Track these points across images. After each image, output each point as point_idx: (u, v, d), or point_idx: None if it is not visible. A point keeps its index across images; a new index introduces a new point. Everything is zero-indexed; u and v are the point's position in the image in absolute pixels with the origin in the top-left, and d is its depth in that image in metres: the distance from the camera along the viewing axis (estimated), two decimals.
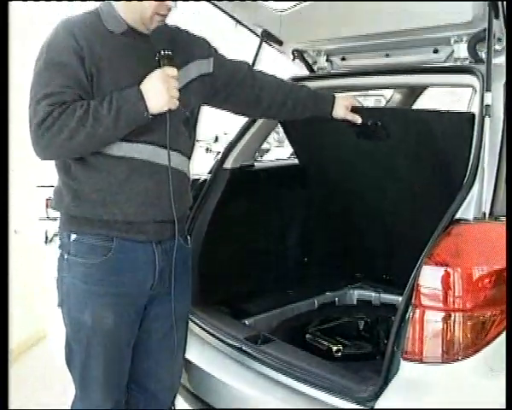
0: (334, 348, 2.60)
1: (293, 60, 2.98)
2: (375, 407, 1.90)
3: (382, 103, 4.73)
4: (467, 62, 2.36)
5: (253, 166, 3.03)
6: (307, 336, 2.73)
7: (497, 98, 2.05)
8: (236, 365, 2.35)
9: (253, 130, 2.92)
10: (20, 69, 3.20)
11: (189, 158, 2.13)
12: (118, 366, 2.09)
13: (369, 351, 2.66)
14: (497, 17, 2.12)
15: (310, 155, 3.07)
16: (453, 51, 2.42)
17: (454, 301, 1.81)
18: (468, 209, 1.90)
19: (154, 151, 1.96)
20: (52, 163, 2.00)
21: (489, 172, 1.94)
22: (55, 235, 3.75)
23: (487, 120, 1.99)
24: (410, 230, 2.67)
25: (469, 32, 2.32)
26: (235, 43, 3.43)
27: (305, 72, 2.98)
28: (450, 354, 1.83)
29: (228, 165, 2.91)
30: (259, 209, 2.99)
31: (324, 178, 3.05)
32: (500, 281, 1.81)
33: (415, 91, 3.85)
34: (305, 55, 2.95)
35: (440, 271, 1.81)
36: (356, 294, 3.30)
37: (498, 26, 2.17)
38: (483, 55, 2.28)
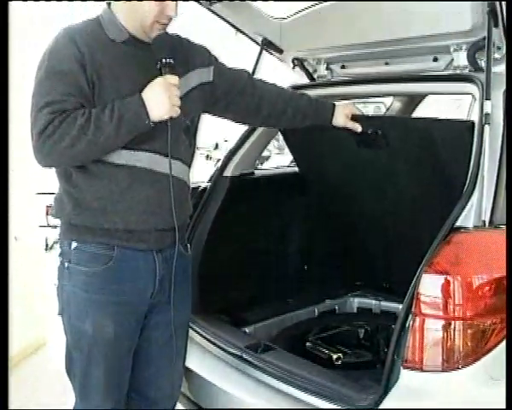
0: (335, 357, 2.59)
1: (294, 68, 2.98)
2: None
3: (382, 110, 4.75)
4: (466, 71, 2.36)
5: (253, 174, 3.03)
6: (307, 344, 2.73)
7: (496, 106, 2.06)
8: (237, 373, 2.35)
9: (253, 138, 2.92)
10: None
11: (190, 166, 2.14)
12: (118, 374, 2.08)
13: (369, 359, 2.66)
14: (496, 26, 2.13)
15: (310, 163, 3.07)
16: (453, 60, 2.42)
17: (454, 310, 1.81)
18: (467, 217, 1.90)
19: (154, 159, 1.96)
20: (52, 170, 2.00)
21: (489, 181, 1.94)
22: (55, 242, 3.75)
23: (487, 128, 1.99)
24: (410, 238, 2.67)
25: (469, 40, 2.32)
26: (235, 52, 3.44)
27: (305, 80, 2.99)
28: (451, 362, 1.83)
29: (228, 173, 2.91)
30: (259, 217, 2.99)
31: (324, 186, 3.05)
32: (500, 289, 1.81)
33: (414, 99, 3.86)
34: (306, 64, 2.96)
35: (440, 279, 1.81)
36: (356, 302, 3.30)
37: (498, 35, 2.17)
38: (482, 63, 2.29)
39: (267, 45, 2.87)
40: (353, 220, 3.07)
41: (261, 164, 4.49)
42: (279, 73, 3.14)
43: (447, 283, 1.81)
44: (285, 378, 2.18)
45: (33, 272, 4.16)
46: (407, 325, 1.87)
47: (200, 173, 2.87)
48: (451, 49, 2.40)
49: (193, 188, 2.34)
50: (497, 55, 2.24)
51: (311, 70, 2.97)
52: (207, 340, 2.54)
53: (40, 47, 1.97)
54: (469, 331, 1.81)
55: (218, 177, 2.91)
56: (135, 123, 1.86)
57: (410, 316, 1.86)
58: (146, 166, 1.95)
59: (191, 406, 2.48)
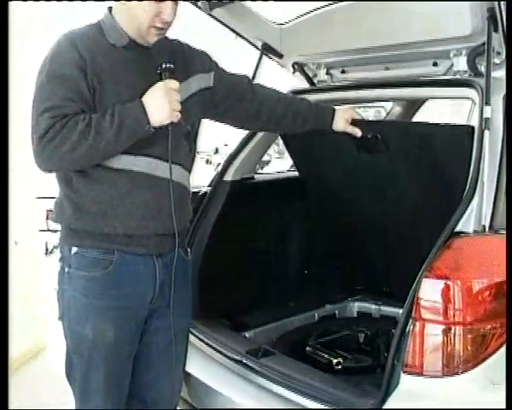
0: (335, 361, 2.59)
1: (294, 73, 2.99)
2: None
3: (382, 114, 4.75)
4: (466, 76, 2.37)
5: (253, 178, 3.03)
6: (307, 348, 2.73)
7: (496, 111, 2.06)
8: (237, 378, 2.35)
9: (253, 142, 2.92)
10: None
11: (190, 171, 2.14)
12: (118, 379, 2.08)
13: (369, 364, 2.66)
14: (496, 31, 2.13)
15: (310, 167, 3.07)
16: (452, 64, 2.42)
17: (454, 315, 1.81)
18: (467, 222, 1.90)
19: (154, 164, 1.97)
20: (52, 174, 2.00)
21: (489, 186, 1.94)
22: (55, 247, 3.75)
23: (487, 133, 1.99)
24: (410, 242, 2.67)
25: (468, 45, 2.32)
26: (235, 56, 3.44)
27: (305, 84, 2.99)
28: (451, 367, 1.83)
29: (228, 177, 2.92)
30: (259, 222, 2.99)
31: (324, 190, 3.05)
32: (500, 294, 1.80)
33: (414, 104, 3.86)
34: (306, 68, 2.96)
35: (440, 284, 1.82)
36: (356, 306, 3.30)
37: (497, 40, 2.17)
38: (482, 68, 2.29)
39: (267, 50, 2.88)
40: (353, 225, 3.07)
41: (261, 168, 4.49)
42: (279, 78, 3.15)
43: (447, 288, 1.81)
44: (285, 383, 2.18)
45: (33, 276, 4.16)
46: (407, 329, 1.87)
47: (201, 178, 2.88)
48: (451, 54, 2.40)
49: (193, 192, 2.34)
50: (496, 61, 2.24)
51: (311, 75, 2.97)
52: (207, 345, 2.54)
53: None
54: (469, 336, 1.81)
55: (218, 181, 2.91)
56: (135, 128, 1.87)
57: (410, 321, 1.86)
58: (146, 171, 1.96)
59: None
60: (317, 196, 3.12)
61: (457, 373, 1.82)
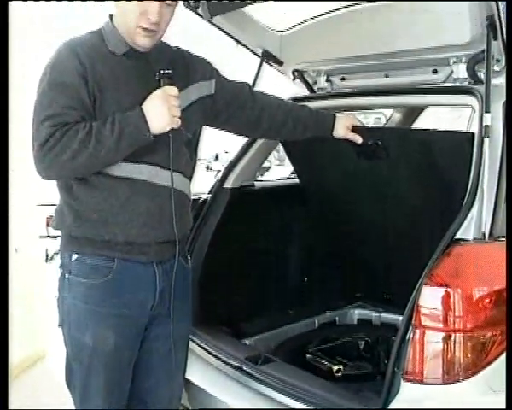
0: (335, 369, 2.59)
1: (294, 80, 2.99)
2: None
3: (383, 121, 4.75)
4: (466, 83, 2.37)
5: (253, 185, 3.03)
6: (308, 356, 2.73)
7: (496, 119, 2.06)
8: (237, 385, 2.34)
9: (253, 149, 2.93)
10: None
11: (190, 179, 2.14)
12: (118, 386, 2.08)
13: (369, 371, 2.66)
14: (495, 38, 2.14)
15: (310, 174, 3.08)
16: (452, 72, 2.43)
17: (454, 322, 1.81)
18: (467, 230, 1.90)
19: (155, 172, 1.97)
20: (53, 181, 2.00)
21: (488, 193, 1.94)
22: (55, 253, 3.75)
23: (486, 140, 1.99)
24: (411, 249, 2.67)
25: (468, 52, 2.33)
26: (235, 64, 3.44)
27: (305, 91, 3.00)
28: (451, 374, 1.82)
29: (228, 184, 2.92)
30: (259, 229, 2.99)
31: (325, 197, 3.06)
32: (500, 301, 1.80)
33: (415, 110, 3.87)
34: (306, 76, 2.96)
35: (440, 291, 1.81)
36: (356, 313, 3.30)
37: (497, 47, 2.18)
38: (482, 75, 2.30)
39: (267, 57, 2.88)
40: (353, 232, 3.07)
41: (261, 175, 4.50)
42: (280, 84, 3.15)
43: (447, 295, 1.81)
44: (285, 390, 2.18)
45: (33, 282, 4.16)
46: (407, 337, 1.87)
47: (201, 184, 2.88)
48: (451, 62, 2.41)
49: (193, 200, 2.34)
50: (496, 68, 2.24)
51: (311, 82, 2.98)
52: (207, 352, 2.53)
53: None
54: (469, 344, 1.81)
55: (218, 188, 2.91)
56: (135, 136, 1.87)
57: (411, 328, 1.86)
58: (146, 178, 1.96)
59: None
60: (318, 202, 3.12)
61: (458, 380, 1.81)
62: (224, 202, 2.87)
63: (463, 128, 3.96)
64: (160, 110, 1.89)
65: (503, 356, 1.80)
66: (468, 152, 2.08)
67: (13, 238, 2.74)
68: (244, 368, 2.34)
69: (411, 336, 1.86)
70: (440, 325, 1.82)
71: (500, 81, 2.21)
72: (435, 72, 2.53)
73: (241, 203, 2.90)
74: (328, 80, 2.92)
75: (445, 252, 1.86)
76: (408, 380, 1.86)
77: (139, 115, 1.87)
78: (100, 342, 1.98)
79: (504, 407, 1.66)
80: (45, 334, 3.96)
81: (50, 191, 2.13)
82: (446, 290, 1.81)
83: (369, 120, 5.54)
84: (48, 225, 3.37)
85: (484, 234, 1.90)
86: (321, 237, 3.21)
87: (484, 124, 2.02)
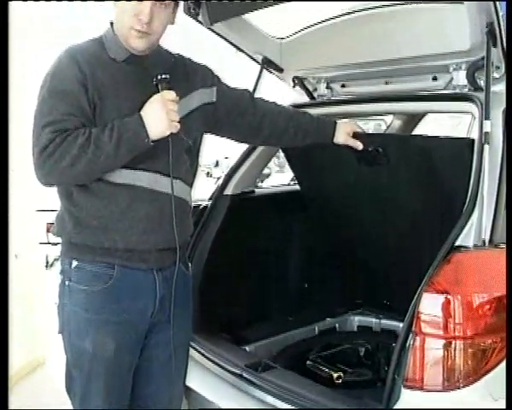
0: (335, 375, 2.58)
1: (294, 87, 3.00)
2: None
3: (383, 127, 4.76)
4: (466, 90, 2.37)
5: (253, 192, 3.03)
6: (308, 362, 2.72)
7: (496, 125, 2.07)
8: (237, 392, 2.34)
9: (253, 156, 2.93)
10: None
11: (191, 186, 2.14)
12: (118, 392, 2.08)
13: (369, 378, 2.65)
14: (495, 45, 2.14)
15: (311, 180, 3.08)
16: (452, 79, 2.43)
17: (454, 329, 1.80)
18: (467, 236, 1.90)
19: (155, 179, 1.97)
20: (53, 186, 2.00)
21: (488, 200, 1.94)
22: (55, 260, 3.75)
23: (486, 147, 2.00)
24: (411, 256, 2.67)
25: (468, 60, 2.33)
26: (235, 64, 3.45)
27: (305, 98, 3.00)
28: (451, 381, 1.82)
29: (228, 191, 2.92)
30: (260, 235, 2.99)
31: (325, 203, 3.06)
32: (500, 308, 1.80)
33: (415, 117, 3.87)
34: (306, 83, 2.97)
35: (441, 298, 1.81)
36: (356, 320, 3.29)
37: (496, 54, 2.18)
38: (482, 82, 2.30)
39: (267, 64, 2.89)
40: (354, 238, 3.07)
41: (261, 182, 4.50)
42: (280, 91, 3.16)
43: (447, 302, 1.80)
44: (286, 397, 2.18)
45: (33, 288, 4.16)
46: (407, 344, 1.87)
47: (201, 190, 2.88)
48: (451, 69, 2.41)
49: (194, 206, 2.34)
50: (496, 75, 2.25)
51: (311, 89, 2.98)
52: (208, 359, 2.53)
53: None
54: (470, 351, 1.80)
55: (218, 195, 2.92)
56: (134, 142, 1.87)
57: (411, 335, 1.86)
58: (147, 185, 1.96)
59: None
60: (318, 209, 3.12)
61: (458, 388, 1.81)
62: (225, 208, 2.87)
63: (463, 135, 3.96)
64: (158, 115, 1.89)
65: (504, 363, 1.80)
66: (468, 158, 2.08)
67: (13, 244, 2.74)
68: (244, 375, 2.34)
69: (412, 343, 1.85)
70: (441, 332, 1.82)
71: (500, 88, 2.21)
72: (435, 79, 2.53)
73: (241, 210, 2.91)
74: (328, 87, 2.93)
75: (446, 259, 1.86)
76: (408, 387, 1.86)
77: (137, 121, 1.87)
78: (100, 348, 1.98)
79: None
80: (45, 340, 3.97)
81: (51, 197, 2.12)
82: (446, 297, 1.81)
83: (369, 126, 5.55)
84: (48, 231, 3.38)
85: (484, 241, 1.90)
86: (321, 244, 3.21)
87: (484, 131, 2.02)
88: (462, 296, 1.80)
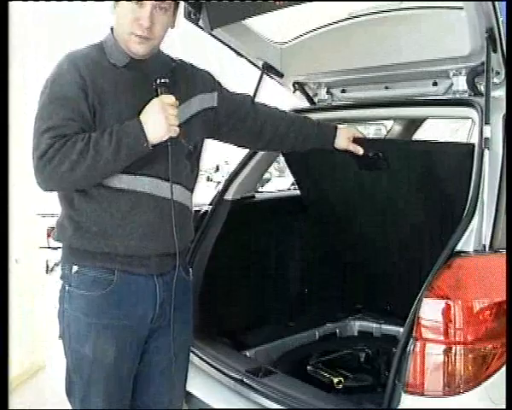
0: (336, 381, 2.58)
1: (294, 92, 3.00)
2: None
3: (383, 132, 4.77)
4: (466, 95, 2.37)
5: (253, 197, 3.03)
6: (308, 368, 2.72)
7: (496, 131, 2.07)
8: (237, 397, 2.34)
9: (254, 161, 2.93)
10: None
11: (192, 191, 2.14)
12: (118, 398, 2.07)
13: (370, 383, 2.65)
14: (495, 51, 2.14)
15: (311, 185, 3.08)
16: (452, 84, 2.43)
17: (455, 334, 1.81)
18: (468, 242, 1.90)
19: (155, 184, 1.97)
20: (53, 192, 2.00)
21: (489, 205, 1.94)
22: (56, 264, 3.75)
23: (486, 152, 2.00)
24: (411, 261, 2.67)
25: (468, 65, 2.33)
26: (236, 64, 3.44)
27: (305, 103, 3.01)
28: (452, 387, 1.82)
29: (229, 196, 2.92)
30: (260, 241, 2.99)
31: (325, 208, 3.06)
32: (501, 314, 1.80)
33: (415, 122, 3.88)
34: (306, 88, 2.97)
35: (441, 304, 1.81)
36: (357, 325, 3.29)
37: (496, 60, 2.18)
38: (482, 88, 2.30)
39: (268, 69, 2.89)
40: (354, 243, 3.07)
41: (262, 186, 4.50)
42: (281, 96, 3.16)
43: (448, 307, 1.80)
44: (286, 403, 2.17)
45: (34, 293, 4.16)
46: (408, 349, 1.86)
47: (201, 196, 2.88)
48: (451, 74, 2.41)
49: (194, 211, 2.34)
50: (496, 80, 2.25)
51: (311, 94, 2.98)
52: (208, 364, 2.53)
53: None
54: (470, 356, 1.80)
55: (218, 200, 2.92)
56: (133, 146, 1.87)
57: (411, 340, 1.86)
58: (147, 190, 1.96)
59: None
60: (318, 213, 3.13)
61: (458, 393, 1.81)
62: (225, 213, 2.87)
63: (463, 140, 3.96)
64: (157, 119, 1.88)
65: (504, 368, 1.80)
66: (468, 164, 2.08)
67: (13, 249, 2.74)
68: (245, 380, 2.34)
69: (412, 348, 1.85)
70: (441, 338, 1.82)
71: (500, 93, 2.22)
72: (435, 84, 2.53)
73: (241, 215, 2.91)
74: (328, 92, 2.93)
75: (446, 264, 1.86)
76: (408, 392, 1.86)
77: (137, 125, 1.87)
78: (100, 353, 1.98)
79: None
80: (46, 345, 3.96)
81: (51, 202, 2.12)
82: (447, 303, 1.81)
83: (370, 131, 5.55)
84: (49, 235, 3.38)
85: (484, 246, 1.89)
86: (321, 249, 3.21)
87: (484, 136, 2.02)
88: (462, 302, 1.80)
